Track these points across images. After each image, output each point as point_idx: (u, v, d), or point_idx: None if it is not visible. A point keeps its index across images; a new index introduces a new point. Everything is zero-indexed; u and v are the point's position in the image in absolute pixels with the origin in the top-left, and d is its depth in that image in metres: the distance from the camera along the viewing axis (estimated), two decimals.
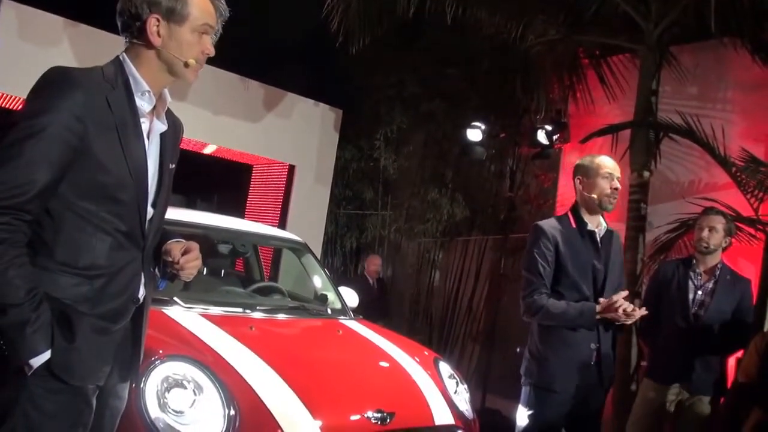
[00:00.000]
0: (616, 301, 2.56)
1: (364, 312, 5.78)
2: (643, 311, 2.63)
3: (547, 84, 5.88)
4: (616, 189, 2.73)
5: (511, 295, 6.24)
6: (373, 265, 6.77)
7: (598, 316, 2.61)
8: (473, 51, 6.39)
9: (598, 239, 2.78)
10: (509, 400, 5.62)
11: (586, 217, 2.78)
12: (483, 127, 6.22)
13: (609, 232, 2.83)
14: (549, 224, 2.79)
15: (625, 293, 2.62)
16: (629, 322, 2.63)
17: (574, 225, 2.77)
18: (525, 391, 2.79)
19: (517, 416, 2.81)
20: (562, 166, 6.28)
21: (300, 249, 4.26)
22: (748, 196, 4.23)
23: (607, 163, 2.76)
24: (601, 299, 2.65)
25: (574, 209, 2.81)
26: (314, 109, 6.96)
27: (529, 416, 2.73)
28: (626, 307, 2.56)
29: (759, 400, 3.02)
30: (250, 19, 6.34)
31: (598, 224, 2.80)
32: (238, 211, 7.18)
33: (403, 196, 7.40)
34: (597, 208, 2.75)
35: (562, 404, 2.69)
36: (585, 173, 2.77)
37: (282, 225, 6.67)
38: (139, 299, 1.71)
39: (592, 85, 5.62)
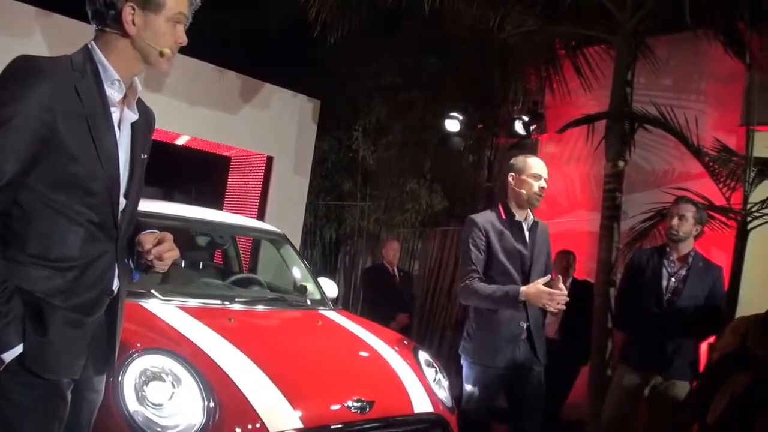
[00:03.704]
0: (542, 290, 2.78)
1: (385, 307, 5.66)
2: (562, 301, 2.79)
3: (524, 74, 5.91)
4: (542, 188, 3.05)
5: None
6: (392, 250, 6.05)
7: (522, 298, 2.84)
8: (451, 41, 6.40)
9: (526, 229, 3.09)
10: None
11: (515, 210, 3.08)
12: (461, 117, 6.25)
13: (536, 224, 3.12)
14: (481, 216, 3.10)
15: (547, 278, 2.85)
16: (553, 309, 2.81)
17: (504, 216, 3.08)
18: (465, 368, 3.09)
19: (463, 391, 3.10)
20: (539, 156, 6.32)
21: (279, 240, 4.25)
22: (720, 185, 4.30)
23: (535, 164, 3.08)
24: (523, 288, 2.87)
25: (504, 203, 3.12)
26: (292, 99, 6.92)
27: (472, 389, 3.05)
28: (553, 296, 2.77)
29: (740, 367, 3.13)
30: (227, 9, 6.29)
31: (526, 216, 3.10)
32: (217, 203, 7.13)
33: (382, 187, 7.40)
34: (525, 203, 3.06)
35: (498, 377, 3.00)
36: (517, 171, 3.08)
37: (261, 216, 6.63)
38: (113, 291, 1.70)
39: (569, 76, 5.66)
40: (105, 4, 1.60)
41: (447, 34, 6.26)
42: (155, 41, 1.63)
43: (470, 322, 3.11)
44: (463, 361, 3.11)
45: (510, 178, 3.09)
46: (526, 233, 3.08)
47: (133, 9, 1.59)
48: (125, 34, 1.61)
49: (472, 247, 3.00)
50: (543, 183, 3.06)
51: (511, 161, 3.16)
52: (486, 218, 3.07)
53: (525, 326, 2.99)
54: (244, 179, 7.24)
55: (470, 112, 6.52)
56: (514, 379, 3.03)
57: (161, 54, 1.64)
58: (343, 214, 7.52)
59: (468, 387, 3.07)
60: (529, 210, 3.11)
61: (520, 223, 3.08)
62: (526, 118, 6.01)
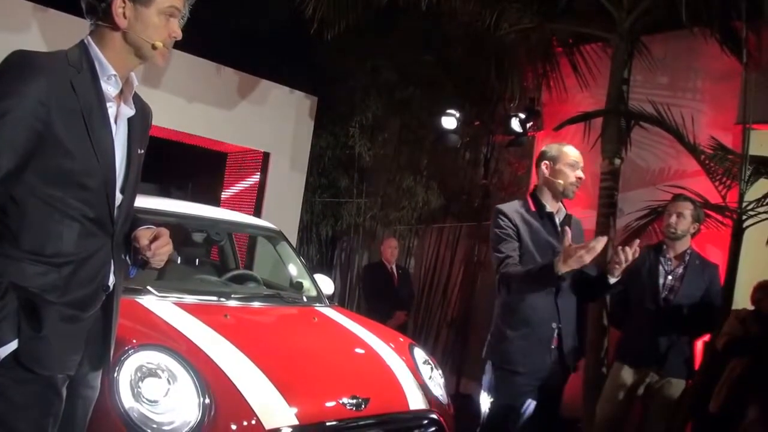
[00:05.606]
0: (572, 250, 2.43)
1: (383, 304, 5.64)
2: (603, 240, 2.48)
3: (521, 72, 5.91)
4: (579, 178, 2.82)
5: (485, 282, 6.31)
6: (389, 248, 5.95)
7: (560, 272, 2.48)
8: (448, 39, 6.39)
9: (557, 222, 2.85)
10: None
11: (547, 201, 2.86)
12: (457, 114, 6.24)
13: (568, 217, 2.89)
14: (508, 206, 2.87)
15: (567, 239, 2.52)
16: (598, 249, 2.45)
17: (533, 208, 2.85)
18: (488, 373, 2.83)
19: (481, 401, 2.84)
20: (536, 153, 6.30)
21: (275, 237, 4.25)
22: (716, 183, 4.30)
23: (572, 152, 2.84)
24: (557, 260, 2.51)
25: (534, 194, 2.90)
26: (289, 96, 6.91)
27: (493, 399, 2.79)
28: (588, 245, 2.44)
29: (744, 352, 3.15)
30: (224, 5, 6.27)
31: (558, 209, 2.88)
32: (213, 199, 7.12)
33: (379, 184, 7.39)
34: (560, 194, 2.84)
35: (524, 384, 2.74)
36: (552, 160, 2.85)
37: (257, 213, 6.63)
38: (109, 287, 1.70)
39: (565, 74, 5.66)
40: None
41: (444, 32, 6.26)
42: (147, 34, 1.62)
43: (496, 322, 2.85)
44: (487, 366, 2.84)
45: (544, 167, 2.85)
46: (558, 226, 2.83)
47: (124, 2, 1.59)
48: (116, 28, 1.61)
49: (502, 235, 2.76)
50: (580, 173, 2.82)
51: (544, 149, 2.92)
52: (513, 208, 2.84)
53: (556, 329, 2.73)
54: (240, 176, 7.23)
55: (467, 109, 6.52)
56: (538, 387, 2.77)
57: (153, 47, 1.63)
58: (339, 211, 7.52)
59: (489, 395, 2.81)
60: (561, 203, 2.89)
61: (552, 215, 2.84)
62: (522, 116, 6.01)
